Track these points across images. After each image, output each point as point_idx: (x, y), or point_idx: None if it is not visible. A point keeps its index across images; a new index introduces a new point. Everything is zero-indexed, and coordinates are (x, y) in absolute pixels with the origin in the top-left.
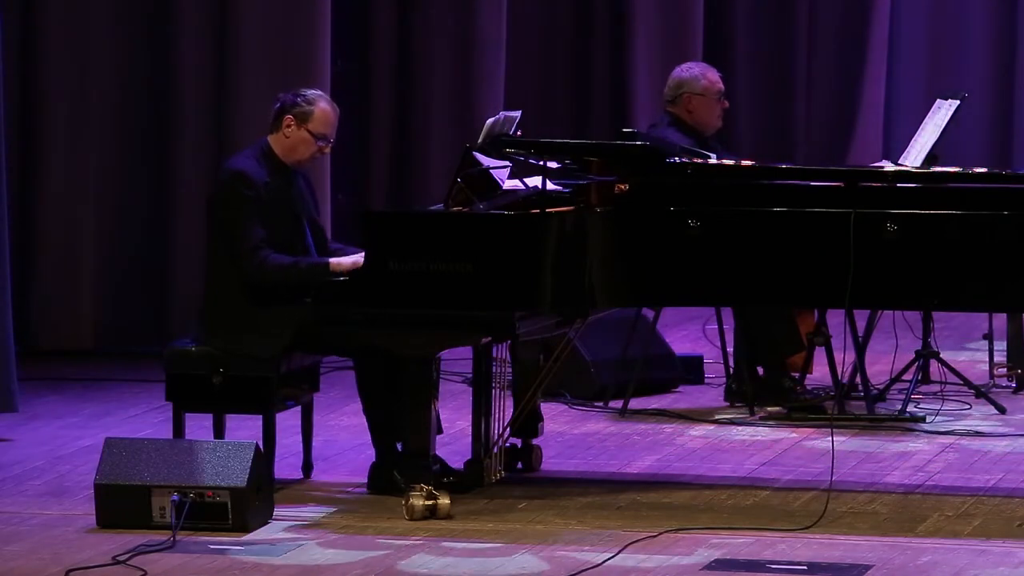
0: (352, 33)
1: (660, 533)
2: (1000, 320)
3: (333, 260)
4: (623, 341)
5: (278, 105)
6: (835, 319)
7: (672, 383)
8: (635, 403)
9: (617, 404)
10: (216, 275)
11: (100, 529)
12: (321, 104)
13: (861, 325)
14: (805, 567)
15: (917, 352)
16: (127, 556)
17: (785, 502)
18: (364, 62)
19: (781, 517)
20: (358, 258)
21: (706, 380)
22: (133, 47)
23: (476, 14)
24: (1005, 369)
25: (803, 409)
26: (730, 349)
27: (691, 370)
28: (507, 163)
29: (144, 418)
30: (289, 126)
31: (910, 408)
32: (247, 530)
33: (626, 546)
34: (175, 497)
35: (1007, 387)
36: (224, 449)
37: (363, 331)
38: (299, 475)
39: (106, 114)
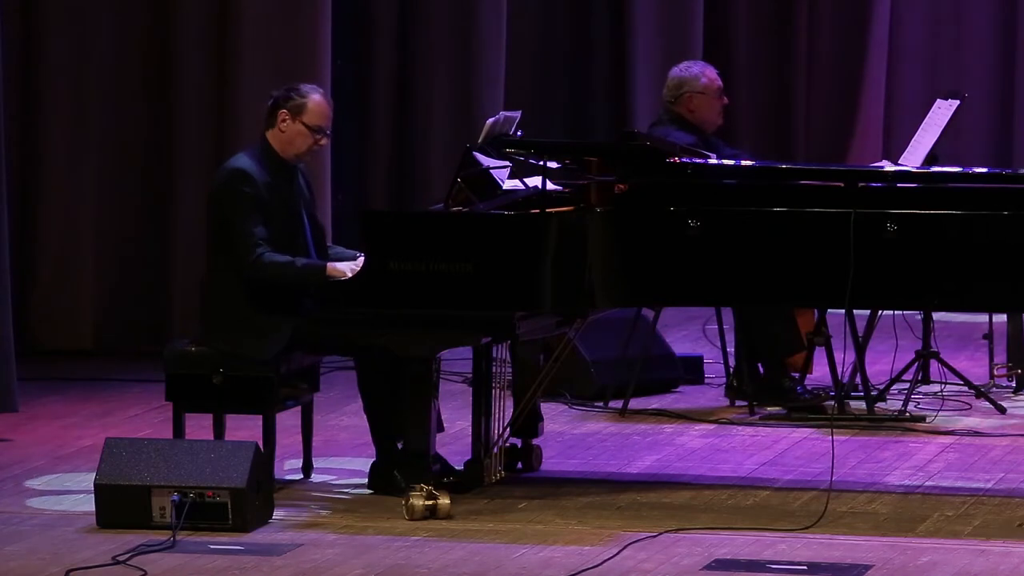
0: (352, 33)
1: (660, 533)
2: (1000, 320)
3: (331, 264)
4: (623, 341)
5: (272, 101)
6: (835, 319)
7: (672, 383)
8: (635, 403)
9: (617, 404)
10: (216, 275)
11: (100, 529)
12: (315, 96)
13: (861, 325)
14: (805, 567)
15: (917, 352)
16: (127, 556)
17: (785, 502)
18: (364, 62)
19: (781, 517)
20: (356, 263)
21: (706, 380)
22: (132, 48)
23: (476, 14)
24: (1005, 369)
25: (803, 409)
26: (730, 349)
27: (691, 370)
28: (507, 163)
29: (144, 418)
30: (284, 120)
31: (910, 408)
32: (247, 530)
33: (626, 546)
34: (175, 497)
35: (1007, 387)
36: (224, 449)
37: (363, 331)
38: (299, 475)
39: (106, 114)
